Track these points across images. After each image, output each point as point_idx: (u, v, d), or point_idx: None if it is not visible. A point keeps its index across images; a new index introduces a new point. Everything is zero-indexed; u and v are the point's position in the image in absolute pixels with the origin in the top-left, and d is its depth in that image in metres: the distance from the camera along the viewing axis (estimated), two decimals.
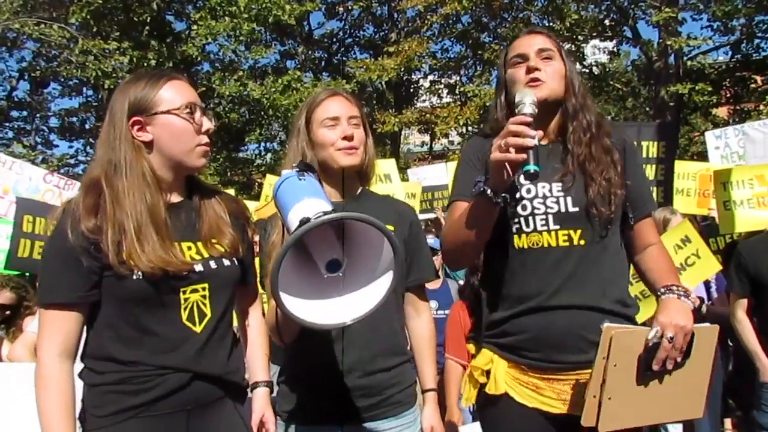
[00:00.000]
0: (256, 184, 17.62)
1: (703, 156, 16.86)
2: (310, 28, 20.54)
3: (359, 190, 2.20)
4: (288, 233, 1.60)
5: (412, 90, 20.97)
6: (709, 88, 15.72)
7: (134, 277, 1.66)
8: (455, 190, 2.04)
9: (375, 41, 20.59)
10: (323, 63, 21.07)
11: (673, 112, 16.72)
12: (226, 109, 16.67)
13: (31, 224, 4.16)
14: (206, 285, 1.77)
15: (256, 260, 2.09)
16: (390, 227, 2.11)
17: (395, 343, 2.13)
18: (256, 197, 10.77)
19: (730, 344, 4.72)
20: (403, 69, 17.11)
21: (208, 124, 1.81)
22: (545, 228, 1.87)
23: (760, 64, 16.83)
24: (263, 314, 2.09)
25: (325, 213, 1.49)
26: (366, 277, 1.59)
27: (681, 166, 5.71)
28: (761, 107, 14.66)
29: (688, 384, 1.80)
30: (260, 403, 1.99)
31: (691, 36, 15.27)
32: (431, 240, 5.27)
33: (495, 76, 2.08)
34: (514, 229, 1.90)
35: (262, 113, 16.33)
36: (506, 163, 1.67)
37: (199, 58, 15.73)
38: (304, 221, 1.48)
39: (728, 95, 17.85)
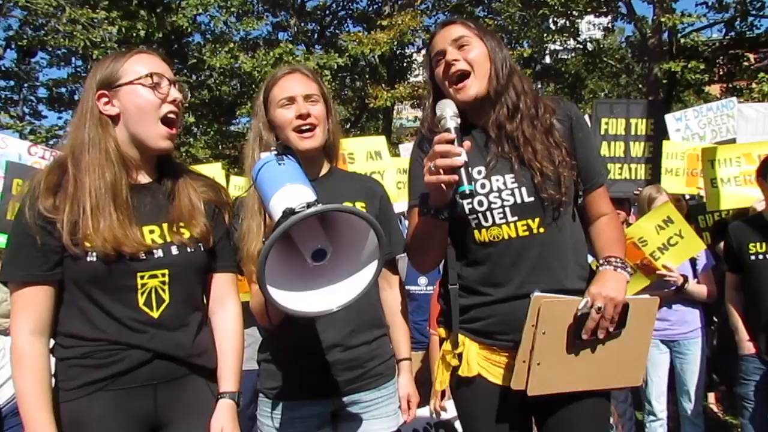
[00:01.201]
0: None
1: None
2: None
3: (327, 169, 2.19)
4: (271, 220, 1.60)
5: (405, 64, 20.80)
6: (702, 66, 15.71)
7: (88, 258, 1.67)
8: (412, 195, 2.01)
9: (368, 14, 20.35)
10: (316, 35, 20.82)
11: (665, 89, 16.71)
12: (217, 81, 16.48)
13: (20, 188, 4.18)
14: (166, 271, 1.77)
15: None
16: (361, 204, 2.13)
17: (373, 316, 2.16)
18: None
19: (715, 320, 4.80)
20: (396, 43, 16.94)
21: (176, 94, 1.80)
22: (504, 221, 1.86)
23: (754, 42, 16.81)
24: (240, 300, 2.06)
25: (309, 204, 1.48)
26: (351, 264, 1.59)
27: (669, 146, 5.71)
28: (753, 85, 14.65)
29: (624, 354, 1.83)
30: (222, 416, 1.85)
31: (685, 13, 15.17)
32: None
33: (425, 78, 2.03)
34: (473, 225, 1.89)
35: (254, 86, 16.15)
36: (441, 184, 1.67)
37: (189, 29, 15.47)
38: (287, 212, 1.47)
39: (721, 73, 17.84)
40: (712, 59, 17.20)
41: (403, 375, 2.25)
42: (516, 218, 1.86)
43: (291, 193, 1.58)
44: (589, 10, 17.28)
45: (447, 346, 1.99)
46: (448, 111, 1.74)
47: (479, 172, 1.88)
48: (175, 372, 1.79)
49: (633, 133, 5.44)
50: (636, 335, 1.83)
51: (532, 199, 1.85)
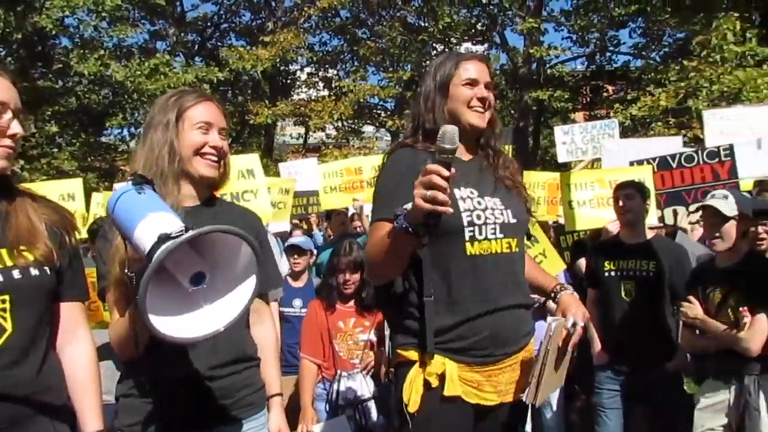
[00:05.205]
0: (120, 171, 16.57)
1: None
2: (183, 9, 19.68)
3: (209, 197, 2.16)
4: (135, 251, 1.53)
5: (288, 81, 20.71)
6: (567, 95, 16.95)
7: None
8: (384, 209, 2.00)
9: (251, 28, 20.10)
10: (196, 47, 20.25)
11: (535, 115, 17.83)
12: (86, 89, 15.49)
13: None
14: (7, 297, 1.63)
15: (93, 270, 1.94)
16: None
17: (243, 346, 2.11)
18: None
19: None
20: (279, 60, 16.85)
21: (17, 128, 1.67)
22: (494, 236, 2.05)
23: (611, 75, 18.43)
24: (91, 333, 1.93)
25: (186, 229, 1.43)
26: (229, 283, 1.56)
27: (529, 177, 5.99)
28: (611, 114, 15.97)
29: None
30: None
31: (552, 45, 16.32)
32: (301, 239, 5.21)
33: (438, 81, 2.15)
34: (467, 238, 2.02)
35: (126, 96, 15.35)
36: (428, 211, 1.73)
37: (54, 32, 14.44)
38: (163, 237, 1.41)
39: (584, 102, 19.34)
40: (575, 89, 18.62)
41: (274, 410, 2.23)
42: (502, 236, 2.07)
43: (158, 221, 1.50)
44: (466, 38, 18.12)
45: (431, 368, 2.00)
46: (454, 142, 1.71)
47: (472, 192, 2.07)
48: (16, 414, 1.61)
49: None
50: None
51: (515, 221, 2.10)
